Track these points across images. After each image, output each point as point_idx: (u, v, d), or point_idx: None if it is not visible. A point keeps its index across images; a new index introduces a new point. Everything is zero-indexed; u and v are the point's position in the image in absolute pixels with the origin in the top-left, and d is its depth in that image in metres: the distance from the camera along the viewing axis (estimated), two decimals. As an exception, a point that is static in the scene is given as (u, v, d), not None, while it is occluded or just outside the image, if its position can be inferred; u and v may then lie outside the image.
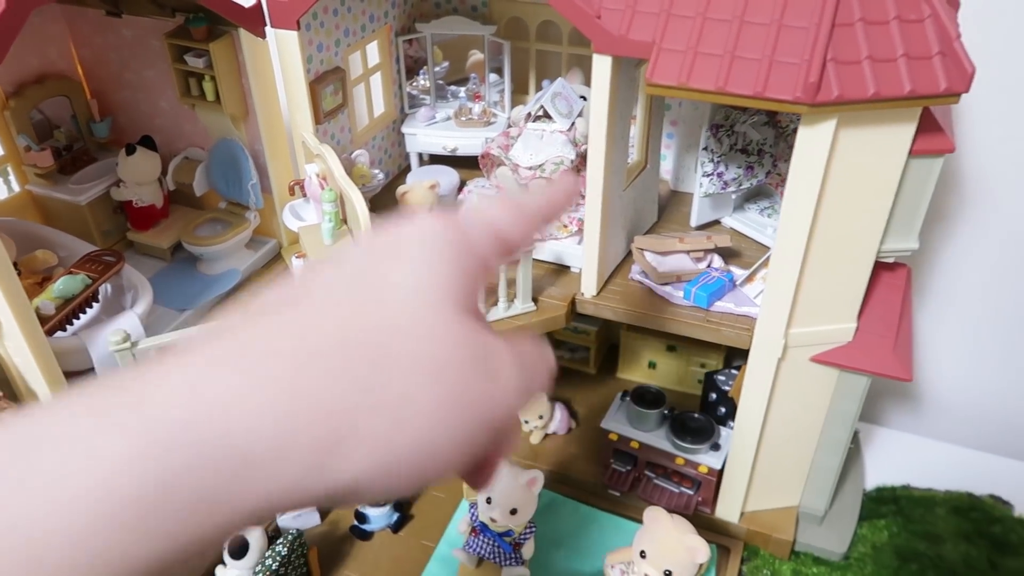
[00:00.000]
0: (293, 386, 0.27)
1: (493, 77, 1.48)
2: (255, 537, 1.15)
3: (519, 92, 1.50)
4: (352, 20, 1.28)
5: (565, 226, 1.22)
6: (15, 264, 1.05)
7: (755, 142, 1.24)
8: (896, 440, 1.56)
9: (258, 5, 1.09)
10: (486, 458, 0.36)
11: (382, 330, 0.30)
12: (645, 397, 1.33)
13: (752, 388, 1.15)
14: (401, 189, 1.24)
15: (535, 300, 1.17)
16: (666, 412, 1.32)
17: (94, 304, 1.04)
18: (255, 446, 0.26)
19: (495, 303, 1.14)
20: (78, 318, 1.02)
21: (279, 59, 1.15)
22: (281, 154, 1.20)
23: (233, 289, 1.18)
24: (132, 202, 1.21)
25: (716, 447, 1.29)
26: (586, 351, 1.61)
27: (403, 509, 1.35)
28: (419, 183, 1.25)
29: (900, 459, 1.50)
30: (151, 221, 1.24)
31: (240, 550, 1.14)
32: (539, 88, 1.47)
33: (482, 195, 0.34)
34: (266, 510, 0.27)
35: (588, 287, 1.18)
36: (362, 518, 1.32)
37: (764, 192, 1.35)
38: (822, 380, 1.14)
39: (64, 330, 1.00)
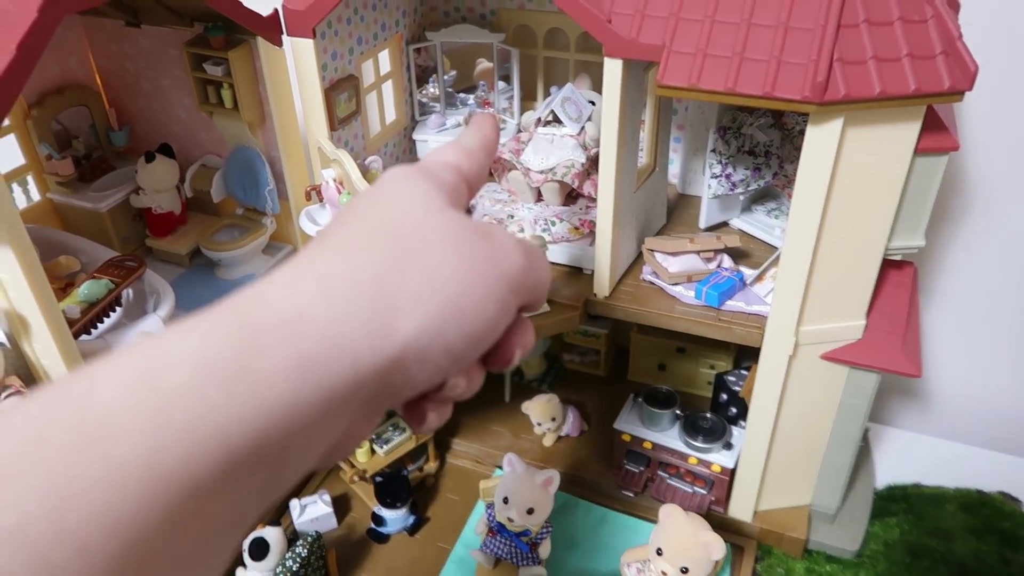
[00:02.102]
0: (354, 269, 0.34)
1: (501, 84, 1.50)
2: (275, 539, 1.17)
3: (527, 99, 1.52)
4: (365, 29, 1.30)
5: (577, 228, 1.24)
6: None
7: (762, 144, 1.26)
8: (905, 439, 1.57)
9: (275, 14, 1.12)
10: (508, 332, 0.41)
11: (405, 224, 0.37)
12: (657, 397, 1.34)
13: (763, 386, 1.17)
14: (414, 194, 1.26)
15: (549, 301, 1.18)
16: (678, 412, 1.34)
17: (117, 308, 1.06)
18: (334, 315, 0.32)
19: (509, 304, 1.15)
20: (102, 322, 1.04)
21: (295, 67, 1.18)
22: (297, 160, 1.23)
23: (250, 293, 1.20)
24: (151, 209, 1.23)
25: (728, 446, 1.30)
26: (596, 354, 1.63)
27: (419, 512, 1.36)
28: (432, 188, 1.27)
29: (910, 458, 1.51)
30: (170, 227, 1.26)
31: (260, 551, 1.15)
32: (547, 94, 1.49)
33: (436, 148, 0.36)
34: (352, 382, 0.31)
35: (600, 288, 1.20)
36: (379, 521, 1.33)
37: (771, 194, 1.37)
38: (832, 377, 1.15)
39: (89, 333, 1.02)
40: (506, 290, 0.38)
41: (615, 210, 1.13)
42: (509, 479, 1.19)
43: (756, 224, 1.33)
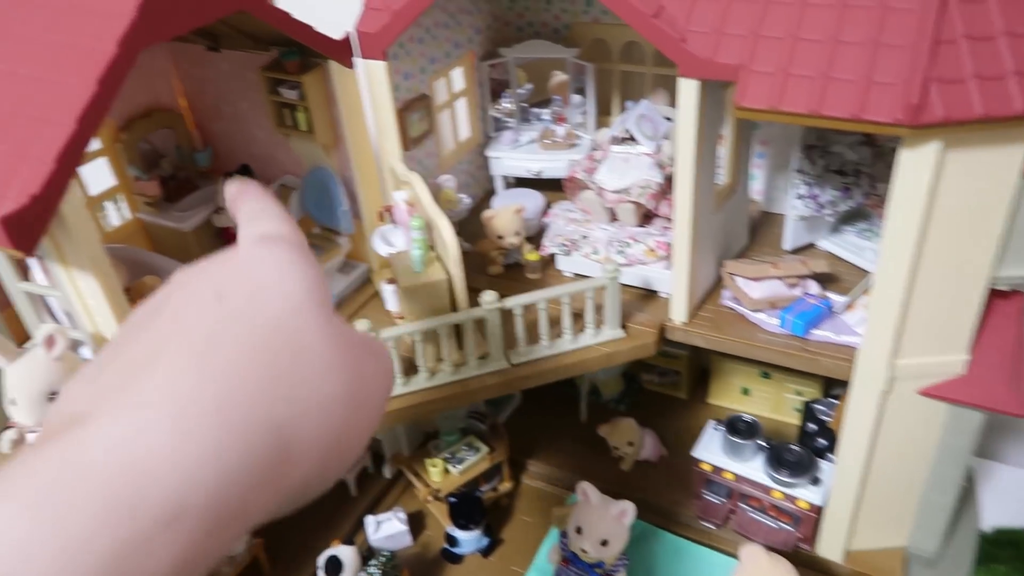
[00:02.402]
0: (248, 415, 0.30)
1: (577, 98, 1.47)
2: (348, 558, 1.17)
3: (603, 113, 1.48)
4: (437, 48, 1.29)
5: (653, 250, 1.19)
6: (127, 290, 1.11)
7: (852, 163, 1.18)
8: (1016, 478, 1.44)
9: (347, 37, 1.12)
10: None
11: (279, 337, 0.33)
12: (738, 427, 1.28)
13: (854, 421, 1.09)
14: (487, 214, 1.24)
15: (623, 326, 1.14)
16: (762, 443, 1.27)
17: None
18: (195, 495, 0.28)
19: (582, 329, 1.12)
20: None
21: (368, 88, 1.18)
22: (371, 181, 1.23)
23: (324, 314, 1.21)
24: (231, 228, 1.26)
25: (816, 481, 1.23)
26: (676, 375, 1.57)
27: (493, 534, 1.35)
28: (505, 207, 1.25)
29: (1021, 498, 1.39)
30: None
31: (334, 570, 1.16)
32: (623, 109, 1.45)
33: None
34: (231, 529, 0.29)
35: (678, 313, 1.15)
36: (453, 541, 1.32)
37: (862, 213, 1.28)
38: (931, 414, 1.07)
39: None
40: (382, 407, 0.38)
41: (692, 232, 1.08)
42: (583, 509, 1.16)
43: (846, 246, 1.25)
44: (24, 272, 0.93)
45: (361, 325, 0.96)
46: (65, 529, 0.25)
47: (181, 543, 0.27)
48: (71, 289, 0.86)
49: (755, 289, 1.14)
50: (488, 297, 1.01)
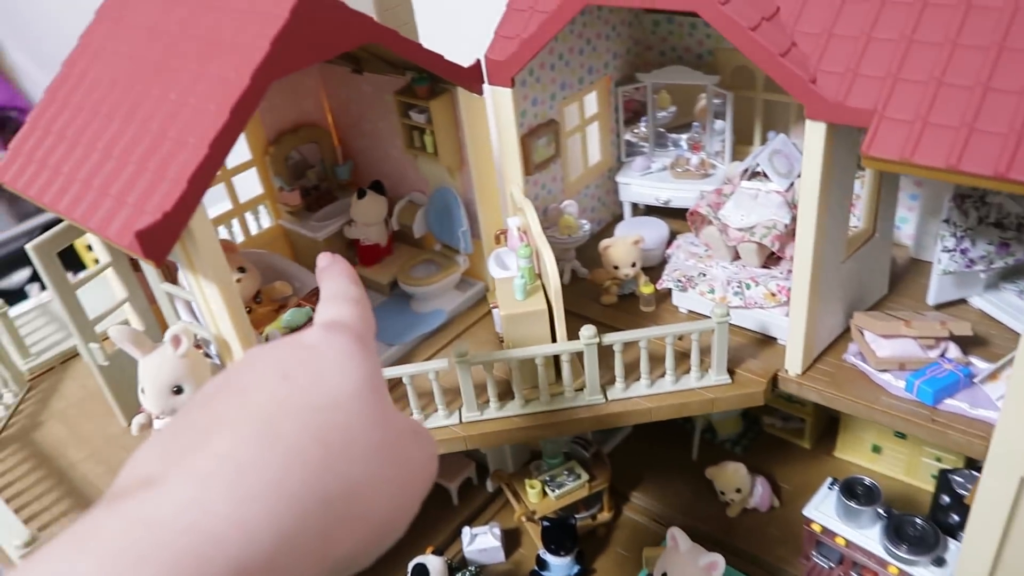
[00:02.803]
0: (302, 495, 0.32)
1: (719, 124, 1.42)
2: (435, 567, 1.21)
3: (742, 143, 1.42)
4: (570, 74, 1.29)
5: (774, 294, 1.13)
6: (258, 292, 1.21)
7: (1014, 216, 1.05)
8: None
9: (477, 64, 1.15)
10: None
11: (336, 417, 0.35)
12: (856, 490, 1.18)
13: (986, 506, 0.98)
14: (604, 243, 1.23)
15: (731, 372, 1.09)
16: (881, 511, 1.17)
17: (314, 335, 1.15)
18: (279, 551, 0.30)
19: (687, 371, 1.08)
20: (299, 347, 1.14)
21: (494, 114, 1.20)
22: (492, 203, 1.25)
23: (437, 329, 1.25)
24: (360, 240, 1.33)
25: (940, 562, 1.11)
26: (801, 422, 1.48)
27: (585, 563, 1.34)
28: (623, 238, 1.23)
29: None
30: (376, 258, 1.35)
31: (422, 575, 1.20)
32: (764, 140, 1.38)
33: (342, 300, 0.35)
34: None
35: (792, 364, 1.08)
36: (543, 565, 1.33)
37: (1026, 270, 1.14)
38: (1083, 508, 0.94)
39: (286, 357, 1.12)
40: (422, 496, 0.39)
41: (812, 281, 1.01)
42: (671, 555, 1.12)
43: (1003, 306, 1.12)
44: (167, 274, 1.03)
45: (460, 347, 0.98)
46: None
47: None
48: (198, 293, 0.94)
49: (884, 347, 1.05)
50: (587, 332, 1.00)
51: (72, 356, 1.42)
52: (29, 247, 1.05)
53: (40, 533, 1.01)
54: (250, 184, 1.37)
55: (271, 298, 1.21)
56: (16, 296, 2.69)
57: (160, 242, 0.83)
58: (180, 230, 0.84)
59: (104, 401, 1.19)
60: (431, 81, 1.16)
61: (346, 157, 1.42)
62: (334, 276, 0.50)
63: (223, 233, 1.36)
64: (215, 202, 1.34)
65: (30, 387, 1.38)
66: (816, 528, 1.21)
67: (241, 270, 1.15)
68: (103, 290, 1.24)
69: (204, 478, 0.31)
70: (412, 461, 0.38)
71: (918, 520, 1.15)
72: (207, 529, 0.29)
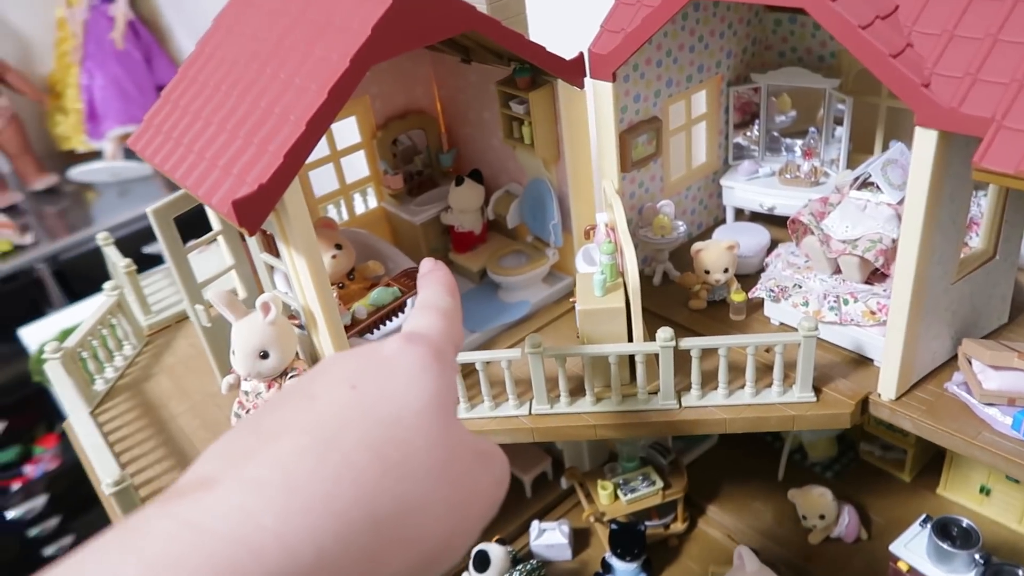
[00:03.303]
0: (351, 510, 0.31)
1: (837, 131, 1.34)
2: (497, 555, 1.22)
3: (861, 151, 1.34)
4: (677, 71, 1.27)
5: (874, 313, 1.06)
6: (353, 269, 1.25)
7: None
8: None
9: (580, 57, 1.14)
10: None
11: (397, 433, 0.34)
12: (951, 531, 1.10)
13: (1094, 563, 0.89)
14: (696, 246, 1.20)
15: (817, 390, 1.04)
16: (978, 557, 1.08)
17: (400, 314, 1.19)
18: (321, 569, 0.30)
19: (769, 384, 1.04)
20: (385, 324, 1.17)
21: (594, 108, 1.19)
22: (586, 198, 1.24)
23: (522, 319, 1.26)
24: (455, 226, 1.36)
25: (1040, 619, 1.02)
26: (902, 452, 1.39)
27: (652, 572, 1.31)
28: (716, 242, 1.19)
29: None
30: (469, 245, 1.38)
31: (482, 564, 1.22)
32: (885, 149, 1.30)
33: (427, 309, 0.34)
34: None
35: (886, 389, 1.02)
36: (608, 568, 1.31)
37: None
38: None
39: (372, 333, 1.16)
40: (484, 522, 0.37)
41: (914, 300, 0.94)
42: (737, 575, 1.08)
43: None
44: (268, 246, 1.09)
45: (532, 339, 0.98)
46: None
47: None
48: (290, 265, 0.99)
49: (992, 378, 0.97)
50: (664, 334, 0.97)
51: (186, 317, 1.53)
52: (149, 211, 1.14)
53: (131, 476, 1.09)
54: (359, 166, 1.42)
55: (364, 276, 1.25)
56: (160, 261, 2.93)
57: (255, 212, 0.88)
58: (274, 202, 0.89)
59: (207, 360, 1.27)
60: (533, 72, 1.16)
61: (451, 145, 1.45)
62: (431, 284, 0.49)
63: (331, 211, 1.42)
64: (325, 181, 1.40)
65: (148, 341, 1.49)
66: (903, 567, 1.13)
67: (338, 247, 1.19)
68: (217, 257, 1.32)
69: (256, 486, 0.31)
70: (475, 484, 0.37)
71: (1020, 572, 1.06)
72: (250, 541, 0.29)
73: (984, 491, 1.29)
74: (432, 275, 0.50)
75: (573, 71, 1.14)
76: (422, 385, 0.37)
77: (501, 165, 1.36)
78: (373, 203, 1.44)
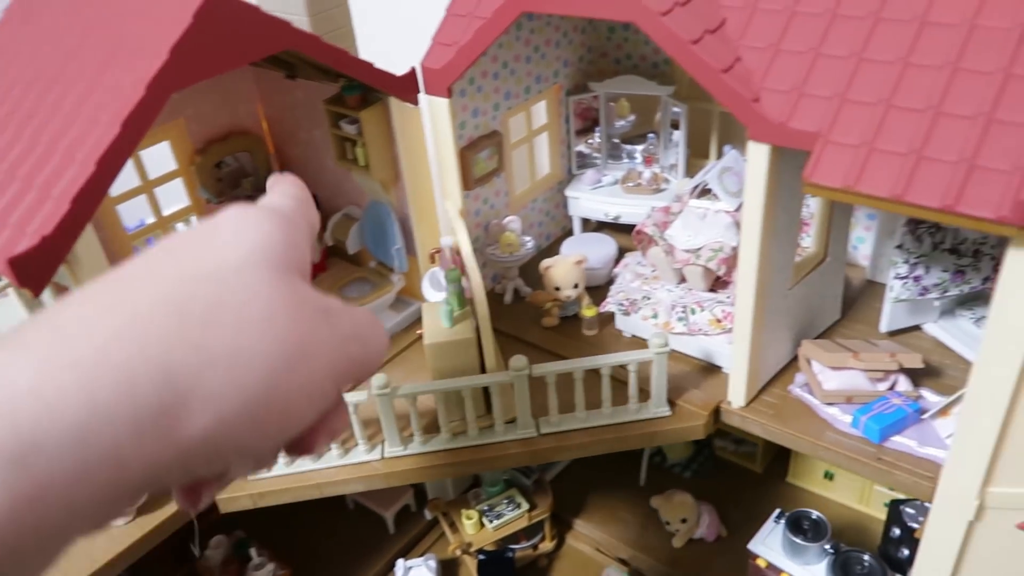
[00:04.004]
0: (135, 355, 0.27)
1: (675, 136, 1.36)
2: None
3: (698, 156, 1.36)
4: (515, 83, 1.23)
5: (720, 320, 1.08)
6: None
7: (970, 241, 1.01)
8: None
9: (412, 73, 1.08)
10: (318, 422, 0.34)
11: (208, 287, 0.30)
12: (802, 525, 1.14)
13: (933, 549, 0.93)
14: (545, 263, 1.17)
15: (672, 403, 1.04)
16: (828, 547, 1.12)
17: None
18: (93, 423, 0.26)
19: (625, 402, 1.03)
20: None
21: (431, 126, 1.14)
22: (428, 220, 1.19)
23: (370, 350, 1.18)
24: (291, 256, 1.26)
25: (887, 601, 1.07)
26: (753, 446, 1.43)
27: (524, 594, 1.28)
28: (564, 258, 1.17)
29: None
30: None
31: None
32: (720, 154, 1.33)
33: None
34: (106, 493, 0.27)
35: (736, 396, 1.03)
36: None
37: (983, 297, 1.10)
38: (1035, 552, 0.89)
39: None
40: (329, 383, 0.33)
41: (756, 309, 0.96)
42: (608, 594, 1.07)
43: (958, 334, 1.08)
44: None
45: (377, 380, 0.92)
46: None
47: (29, 483, 0.25)
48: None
49: (831, 379, 1.00)
50: (517, 363, 0.94)
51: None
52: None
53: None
54: (179, 194, 1.29)
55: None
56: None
57: (38, 269, 0.75)
58: (62, 255, 0.77)
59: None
60: (363, 90, 1.09)
61: (281, 167, 1.34)
62: (278, 182, 0.43)
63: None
64: (139, 213, 1.26)
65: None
66: (761, 564, 1.16)
67: (156, 288, 1.07)
68: (13, 310, 1.15)
69: (17, 346, 0.28)
70: (313, 339, 0.32)
71: (866, 557, 1.11)
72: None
73: (828, 476, 1.36)
74: (278, 181, 0.44)
75: (405, 87, 1.08)
76: (243, 240, 0.33)
77: (337, 187, 1.27)
78: (198, 233, 1.31)
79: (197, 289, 0.30)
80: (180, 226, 1.29)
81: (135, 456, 0.27)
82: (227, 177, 1.32)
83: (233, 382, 0.29)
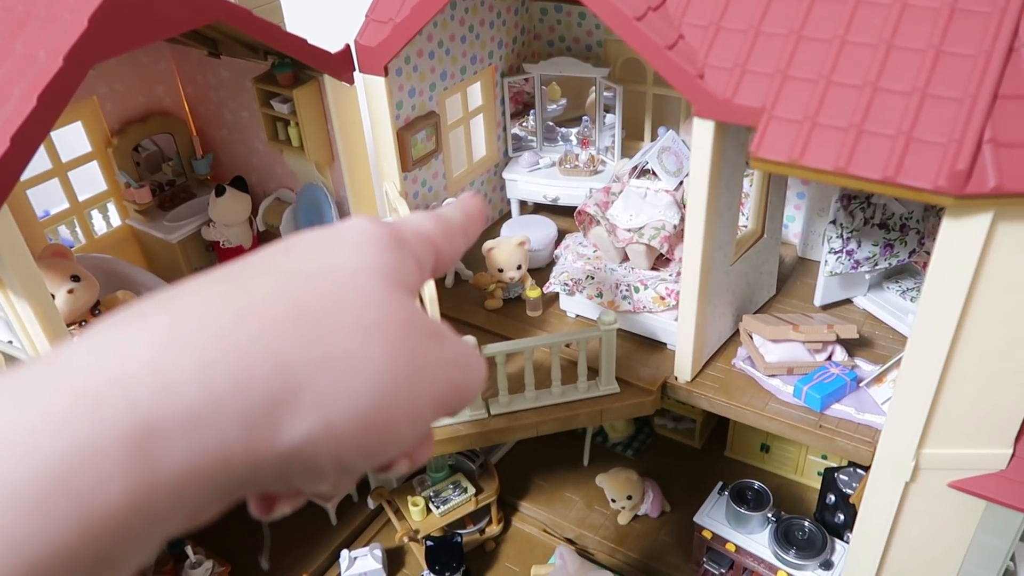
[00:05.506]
0: (250, 348, 0.27)
1: (609, 118, 1.36)
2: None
3: (633, 138, 1.37)
4: (451, 63, 1.21)
5: (663, 298, 1.09)
6: (98, 303, 1.06)
7: (898, 216, 1.05)
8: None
9: (347, 50, 1.04)
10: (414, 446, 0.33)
11: (325, 285, 0.29)
12: (745, 495, 1.17)
13: (872, 511, 0.97)
14: (488, 245, 1.16)
15: (620, 380, 1.04)
16: (770, 516, 1.15)
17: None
18: (208, 408, 0.25)
19: (574, 380, 1.02)
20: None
21: (367, 105, 1.10)
22: (367, 202, 1.15)
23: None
24: (220, 242, 1.20)
25: (828, 565, 1.11)
26: (692, 423, 1.46)
27: (471, 580, 1.27)
28: (507, 239, 1.16)
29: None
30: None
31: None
32: (655, 136, 1.34)
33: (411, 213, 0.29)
34: (209, 485, 0.26)
35: (682, 372, 1.04)
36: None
37: (909, 270, 1.15)
38: (965, 510, 0.94)
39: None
40: (430, 407, 0.31)
41: (701, 286, 0.97)
42: (559, 575, 1.07)
43: (886, 306, 1.12)
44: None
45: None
46: (24, 423, 0.23)
47: (147, 472, 0.24)
48: (9, 310, 0.81)
49: (772, 352, 1.02)
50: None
51: None
52: None
53: None
54: (95, 178, 1.21)
55: (111, 308, 1.07)
56: None
57: (-52, 255, 0.69)
58: (-25, 240, 0.71)
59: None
60: (295, 68, 1.05)
61: (206, 150, 1.28)
62: (457, 206, 0.42)
63: (63, 234, 1.20)
64: (50, 199, 1.18)
65: None
66: (706, 535, 1.19)
67: (75, 279, 1.00)
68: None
69: (138, 323, 0.27)
70: (424, 357, 0.31)
71: (806, 523, 1.14)
72: (114, 371, 0.25)
73: (764, 449, 1.40)
74: (463, 199, 0.43)
75: (340, 65, 1.04)
76: (365, 253, 0.32)
77: (268, 170, 1.22)
78: (117, 221, 1.24)
79: (314, 285, 0.30)
80: (95, 212, 1.22)
81: (240, 450, 0.26)
82: (145, 162, 1.25)
83: (345, 385, 0.28)
